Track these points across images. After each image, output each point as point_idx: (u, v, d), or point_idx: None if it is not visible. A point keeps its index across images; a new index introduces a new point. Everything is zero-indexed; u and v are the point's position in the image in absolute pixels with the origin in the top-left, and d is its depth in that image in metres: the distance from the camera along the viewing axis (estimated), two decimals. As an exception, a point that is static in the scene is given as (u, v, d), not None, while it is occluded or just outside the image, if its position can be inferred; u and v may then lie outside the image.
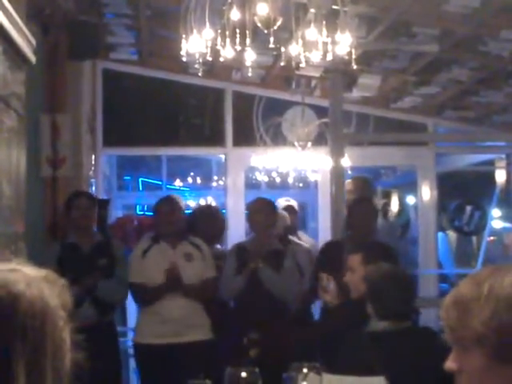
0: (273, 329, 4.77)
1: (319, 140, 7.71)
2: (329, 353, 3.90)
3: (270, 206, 5.31)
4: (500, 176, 8.94)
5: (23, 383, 1.14)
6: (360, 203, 5.42)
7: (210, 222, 5.72)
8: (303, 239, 6.46)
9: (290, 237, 5.87)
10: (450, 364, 1.46)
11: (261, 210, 5.18)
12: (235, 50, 3.66)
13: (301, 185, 8.99)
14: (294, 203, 6.51)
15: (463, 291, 1.43)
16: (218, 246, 6.08)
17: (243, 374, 2.75)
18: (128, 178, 11.46)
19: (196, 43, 3.68)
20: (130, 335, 6.07)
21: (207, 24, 3.61)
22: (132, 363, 5.93)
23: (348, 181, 6.77)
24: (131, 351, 5.55)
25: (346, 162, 6.49)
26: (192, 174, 11.49)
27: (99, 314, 4.96)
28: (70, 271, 4.40)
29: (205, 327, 5.05)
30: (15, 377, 1.14)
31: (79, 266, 4.90)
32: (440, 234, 8.94)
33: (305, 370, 2.84)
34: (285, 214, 6.04)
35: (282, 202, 6.47)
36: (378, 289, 3.42)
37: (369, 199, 5.97)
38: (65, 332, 1.23)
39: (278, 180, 8.77)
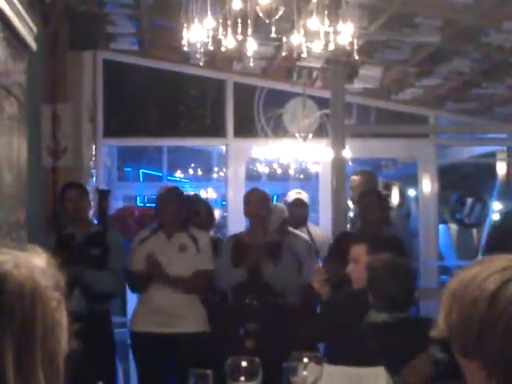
0: (271, 320, 4.77)
1: (320, 131, 7.70)
2: (329, 343, 3.90)
3: (266, 197, 5.36)
4: (501, 168, 8.92)
5: (12, 364, 1.13)
6: (368, 195, 5.41)
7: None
8: (316, 231, 6.42)
9: (290, 228, 5.85)
10: None
11: (260, 202, 5.21)
12: (236, 39, 3.64)
13: (302, 176, 8.98)
14: (304, 196, 6.45)
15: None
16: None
17: (244, 364, 2.74)
18: (129, 168, 11.45)
19: (197, 33, 3.67)
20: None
21: (208, 13, 3.60)
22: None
23: (354, 177, 6.75)
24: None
25: (347, 153, 6.48)
26: (193, 165, 11.48)
27: (90, 304, 4.94)
28: (63, 260, 4.37)
29: (199, 319, 5.06)
30: (3, 358, 1.12)
31: (71, 256, 4.88)
32: (441, 226, 8.94)
33: (305, 360, 2.83)
34: (282, 206, 6.03)
35: (292, 195, 6.44)
36: (378, 279, 3.42)
37: (377, 191, 6.00)
38: (58, 313, 1.20)
39: (278, 171, 8.76)
